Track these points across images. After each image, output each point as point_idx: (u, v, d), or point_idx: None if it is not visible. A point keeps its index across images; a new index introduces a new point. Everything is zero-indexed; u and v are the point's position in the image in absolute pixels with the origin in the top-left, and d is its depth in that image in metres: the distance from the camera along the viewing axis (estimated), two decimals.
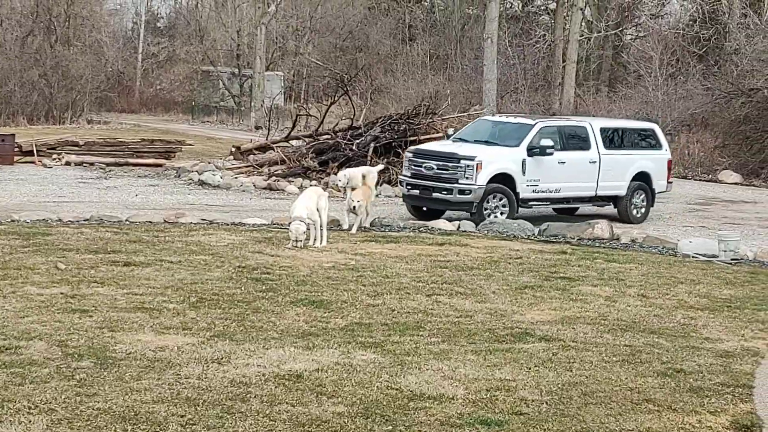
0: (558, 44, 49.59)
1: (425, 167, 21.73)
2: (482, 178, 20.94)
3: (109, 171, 30.13)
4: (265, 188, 27.15)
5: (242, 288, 12.26)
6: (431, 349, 9.64)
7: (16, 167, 30.15)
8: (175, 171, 30.20)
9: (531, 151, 21.50)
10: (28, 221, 17.57)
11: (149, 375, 8.36)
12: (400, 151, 28.06)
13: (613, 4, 54.84)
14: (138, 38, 75.70)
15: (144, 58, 74.00)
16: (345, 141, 29.68)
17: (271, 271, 13.53)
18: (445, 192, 21.17)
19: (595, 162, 22.40)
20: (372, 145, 28.74)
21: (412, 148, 24.25)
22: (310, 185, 24.87)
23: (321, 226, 16.21)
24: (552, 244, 17.60)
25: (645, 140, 24.02)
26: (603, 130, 22.98)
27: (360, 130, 30.26)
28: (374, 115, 37.02)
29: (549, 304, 12.18)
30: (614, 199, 22.81)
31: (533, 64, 50.76)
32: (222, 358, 8.95)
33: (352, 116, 32.51)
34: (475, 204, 20.84)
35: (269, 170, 29.63)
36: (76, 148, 32.60)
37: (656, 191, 23.54)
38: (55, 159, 31.75)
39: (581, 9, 49.62)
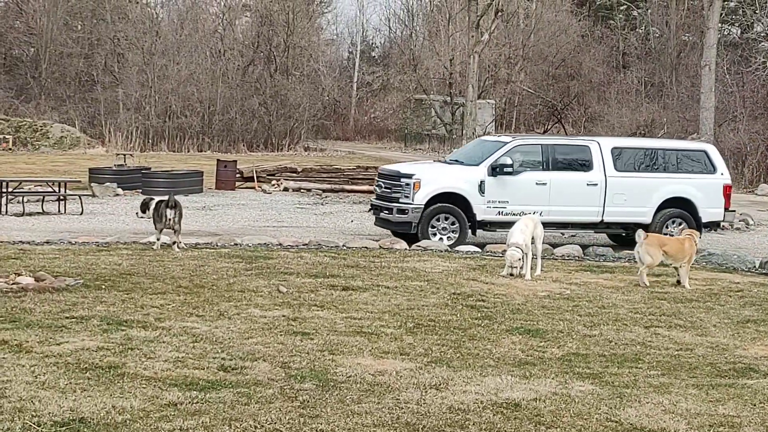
0: None
1: (378, 186, 21.25)
2: (420, 198, 19.98)
3: (326, 197, 30.84)
4: None
5: (458, 315, 12.34)
6: (651, 382, 9.47)
7: (237, 192, 31.21)
8: None
9: (494, 170, 20.18)
10: (250, 245, 18.15)
11: (369, 399, 8.49)
12: None
13: None
14: (353, 67, 77.20)
15: (359, 87, 75.41)
16: None
17: (485, 298, 13.58)
18: (386, 212, 20.49)
19: (596, 184, 20.63)
20: None
21: (380, 168, 23.42)
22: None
23: (535, 255, 16.16)
24: None
25: (689, 163, 21.54)
26: (616, 150, 21.04)
27: None
28: None
29: None
30: (638, 227, 19.65)
31: (753, 91, 49.31)
32: (440, 384, 9.03)
33: None
34: (413, 225, 19.92)
35: None
36: (294, 174, 33.51)
37: (703, 220, 21.05)
38: (273, 185, 32.70)
39: None
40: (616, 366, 10.05)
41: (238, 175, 32.96)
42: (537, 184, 20.44)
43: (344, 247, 18.53)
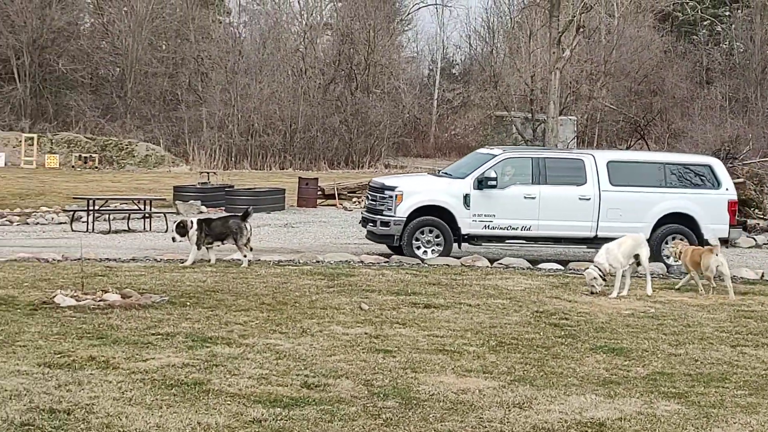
0: None
1: (367, 198, 21.14)
2: (402, 210, 19.78)
3: None
4: None
5: (541, 333, 12.27)
6: (738, 402, 9.32)
7: (318, 210, 31.40)
8: None
9: (480, 183, 19.90)
10: (332, 262, 18.23)
11: (452, 417, 8.47)
12: None
13: None
14: (434, 84, 77.21)
15: (439, 104, 75.40)
16: None
17: (569, 316, 13.48)
18: (371, 224, 20.32)
19: (589, 198, 20.18)
20: None
21: (371, 180, 23.21)
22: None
23: (643, 274, 16.03)
24: None
25: (692, 177, 20.98)
26: (612, 164, 20.55)
27: None
28: None
29: None
30: None
31: None
32: (523, 403, 8.98)
33: None
34: (396, 237, 19.73)
35: None
36: None
37: (705, 237, 19.84)
38: (354, 202, 32.84)
39: None
40: (702, 385, 9.91)
41: (319, 193, 33.16)
42: (525, 197, 20.14)
43: (426, 265, 18.52)
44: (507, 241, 20.69)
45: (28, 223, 27.68)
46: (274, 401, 8.64)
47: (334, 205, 32.83)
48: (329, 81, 61.49)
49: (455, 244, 20.20)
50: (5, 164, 49.35)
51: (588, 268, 15.70)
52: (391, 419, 8.32)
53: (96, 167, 50.05)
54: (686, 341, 12.10)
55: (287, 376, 9.56)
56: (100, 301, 12.93)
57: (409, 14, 78.91)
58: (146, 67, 62.66)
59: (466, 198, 20.02)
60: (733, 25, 64.37)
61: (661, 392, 9.55)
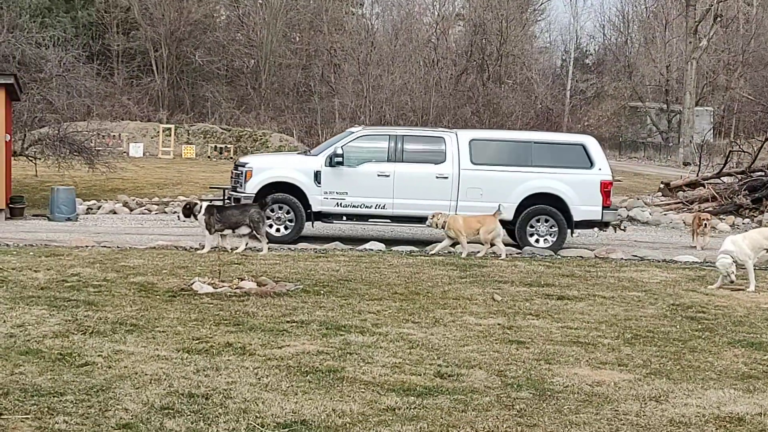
0: None
1: (231, 176, 20.98)
2: (251, 186, 19.51)
3: None
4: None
5: (677, 326, 12.07)
6: None
7: None
8: None
9: (331, 160, 19.46)
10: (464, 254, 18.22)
11: (587, 409, 8.39)
12: None
13: None
14: (567, 75, 76.54)
15: (572, 95, 74.71)
16: None
17: (706, 309, 13.23)
18: (228, 201, 20.04)
19: (447, 177, 19.57)
20: None
21: None
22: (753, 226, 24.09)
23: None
24: None
25: (563, 157, 20.11)
26: (475, 143, 19.89)
27: None
28: None
29: None
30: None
31: None
32: (660, 396, 8.84)
33: None
34: None
35: (699, 207, 29.03)
36: None
37: (576, 218, 19.68)
38: None
39: None
40: None
41: None
42: (380, 175, 19.78)
43: (559, 256, 18.38)
44: (369, 220, 20.23)
45: (165, 212, 28.32)
46: (408, 390, 8.67)
47: None
48: (461, 72, 61.45)
49: (308, 222, 20.06)
50: (143, 155, 50.53)
51: (718, 259, 15.29)
52: (525, 410, 8.28)
53: (231, 158, 50.90)
54: None
55: (420, 365, 9.59)
56: (236, 288, 13.16)
57: (542, 4, 78.34)
58: (280, 59, 63.48)
59: (317, 175, 19.81)
60: None
61: None
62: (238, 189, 20.29)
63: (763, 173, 30.04)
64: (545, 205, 20.08)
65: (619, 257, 18.49)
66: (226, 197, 22.22)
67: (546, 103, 68.04)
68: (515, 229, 19.97)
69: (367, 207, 19.93)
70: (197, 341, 10.17)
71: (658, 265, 17.76)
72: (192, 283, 13.31)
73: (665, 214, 28.50)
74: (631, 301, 13.64)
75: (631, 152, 65.01)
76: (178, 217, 18.55)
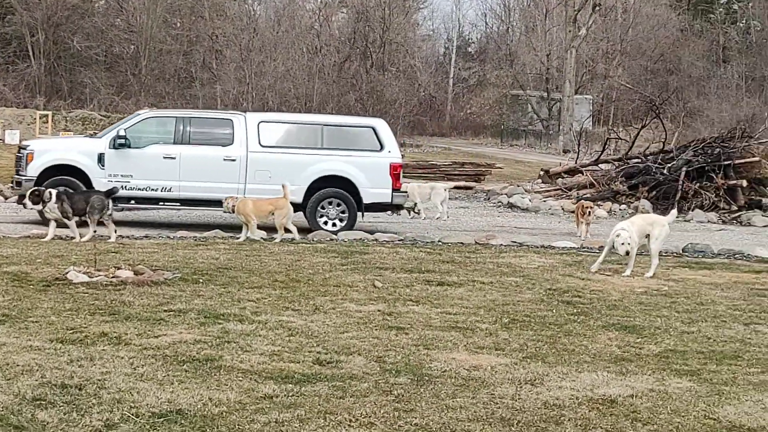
0: None
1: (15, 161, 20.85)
2: (33, 169, 19.39)
3: None
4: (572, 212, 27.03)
5: (553, 310, 12.25)
6: (750, 380, 9.29)
7: None
8: (484, 193, 30.57)
9: (115, 142, 19.52)
10: (346, 240, 18.23)
11: (464, 393, 8.46)
12: (713, 175, 27.35)
13: None
14: (449, 63, 77.14)
15: (455, 83, 75.33)
16: (656, 165, 29.22)
17: (581, 294, 13.45)
18: (16, 186, 20.10)
19: (235, 160, 19.77)
20: (684, 169, 28.17)
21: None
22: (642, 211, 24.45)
23: (652, 255, 15.75)
24: None
25: (353, 140, 20.44)
26: (264, 125, 20.17)
27: (671, 154, 29.75)
28: (686, 138, 36.29)
29: None
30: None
31: None
32: (535, 380, 8.96)
33: (663, 140, 31.97)
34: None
35: (578, 194, 29.51)
36: None
37: (366, 201, 20.04)
38: None
39: None
40: (714, 363, 9.87)
41: None
42: (165, 158, 19.71)
43: (440, 243, 18.51)
44: (159, 204, 20.18)
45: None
46: (286, 377, 8.64)
47: None
48: (344, 59, 61.49)
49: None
50: (20, 142, 49.47)
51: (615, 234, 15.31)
52: (403, 395, 8.31)
53: None
54: (699, 319, 12.07)
55: (299, 352, 9.56)
56: (113, 277, 12.95)
57: None
58: (161, 45, 62.72)
59: (101, 157, 19.63)
60: (750, 4, 63.96)
61: (673, 370, 9.52)
62: (20, 172, 19.91)
63: (639, 160, 30.64)
64: (335, 188, 20.16)
65: (498, 243, 18.69)
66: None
67: (429, 90, 68.47)
68: (304, 212, 19.97)
69: (153, 190, 19.68)
70: (71, 331, 9.98)
71: (537, 250, 18.00)
72: (67, 273, 13.06)
73: (545, 201, 28.90)
74: (509, 287, 13.79)
75: (513, 140, 65.75)
76: (24, 205, 17.79)
